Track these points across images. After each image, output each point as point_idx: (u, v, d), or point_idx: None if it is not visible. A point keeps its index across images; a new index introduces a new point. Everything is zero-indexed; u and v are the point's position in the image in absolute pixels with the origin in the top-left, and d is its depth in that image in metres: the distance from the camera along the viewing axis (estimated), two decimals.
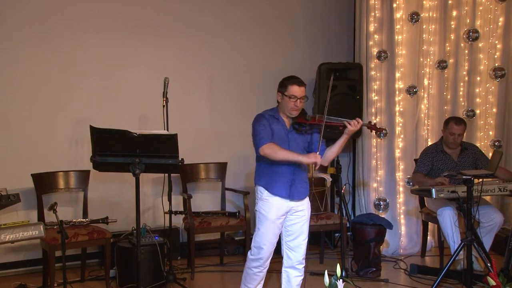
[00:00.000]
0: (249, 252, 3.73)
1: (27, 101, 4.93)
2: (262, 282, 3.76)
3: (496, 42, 5.72)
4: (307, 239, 3.71)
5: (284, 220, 3.66)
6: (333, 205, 5.73)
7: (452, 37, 5.65)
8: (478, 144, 5.59)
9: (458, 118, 4.97)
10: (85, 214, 4.77)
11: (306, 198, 3.73)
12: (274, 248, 3.67)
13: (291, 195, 3.61)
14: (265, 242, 3.60)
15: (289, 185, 3.60)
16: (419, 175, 4.93)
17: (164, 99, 4.59)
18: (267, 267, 3.71)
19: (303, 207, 3.69)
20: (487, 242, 4.66)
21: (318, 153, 3.49)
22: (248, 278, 3.72)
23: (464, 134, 5.00)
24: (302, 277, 3.73)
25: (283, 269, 3.76)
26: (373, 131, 3.74)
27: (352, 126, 3.54)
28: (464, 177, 4.07)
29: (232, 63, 5.67)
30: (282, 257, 3.77)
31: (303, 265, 3.72)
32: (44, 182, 4.71)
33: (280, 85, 3.62)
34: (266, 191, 3.61)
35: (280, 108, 3.64)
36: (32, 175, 4.64)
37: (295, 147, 3.62)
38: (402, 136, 5.57)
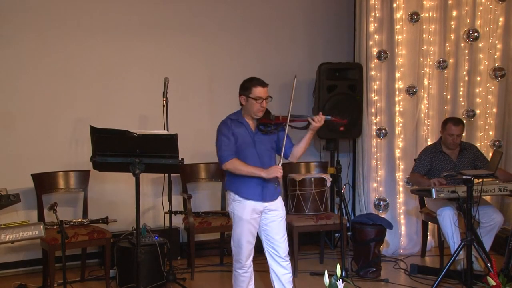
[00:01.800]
0: (232, 254, 3.75)
1: (27, 101, 4.93)
2: (252, 283, 3.76)
3: (496, 42, 5.71)
4: (286, 236, 3.72)
5: (259, 219, 3.67)
6: (333, 205, 5.73)
7: (452, 37, 5.65)
8: (478, 144, 5.59)
9: (456, 119, 4.96)
10: (85, 214, 4.77)
11: (279, 197, 3.74)
12: (252, 247, 3.68)
13: (263, 197, 3.63)
14: (243, 242, 3.62)
15: (261, 188, 3.60)
16: (416, 175, 4.93)
17: (164, 99, 4.59)
18: (251, 267, 3.72)
19: (277, 206, 3.70)
20: (487, 242, 4.66)
21: (279, 164, 3.53)
22: (237, 281, 3.73)
23: (464, 134, 5.00)
24: (290, 274, 3.73)
25: (270, 269, 3.75)
26: (338, 124, 3.71)
27: (316, 122, 3.56)
28: (464, 177, 4.07)
29: (232, 63, 5.67)
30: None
31: (288, 262, 3.72)
32: (44, 182, 4.71)
33: (242, 88, 3.60)
34: (237, 195, 3.63)
35: (245, 111, 3.63)
36: (32, 175, 4.64)
37: (262, 149, 3.63)
38: (402, 136, 5.57)
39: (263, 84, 3.58)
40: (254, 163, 3.59)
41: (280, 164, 3.56)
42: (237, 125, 3.61)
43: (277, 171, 3.49)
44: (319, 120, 3.56)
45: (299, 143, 3.70)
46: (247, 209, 3.60)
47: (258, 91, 3.55)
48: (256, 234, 3.70)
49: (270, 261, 3.73)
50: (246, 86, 3.59)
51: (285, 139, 3.56)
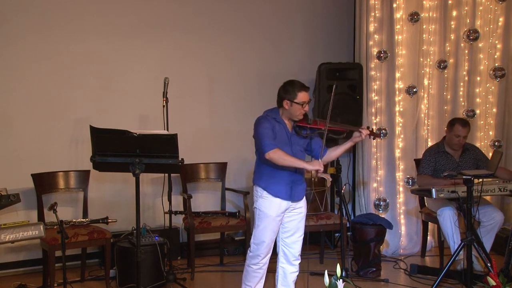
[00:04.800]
0: (248, 250, 3.76)
1: (27, 101, 4.93)
2: (262, 281, 3.77)
3: (496, 42, 5.72)
4: (303, 236, 3.75)
5: (283, 217, 3.68)
6: (333, 205, 5.74)
7: (452, 37, 5.65)
8: (478, 144, 5.59)
9: (463, 120, 4.94)
10: (85, 214, 4.77)
11: (304, 196, 3.79)
12: (272, 245, 3.69)
13: (292, 197, 3.65)
14: (265, 239, 3.63)
15: (290, 187, 3.63)
16: (426, 176, 4.89)
17: (164, 99, 4.59)
18: (267, 265, 3.73)
19: (301, 204, 3.74)
20: (488, 242, 4.66)
21: (320, 159, 3.54)
22: (248, 277, 3.73)
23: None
24: (297, 273, 3.77)
25: (279, 265, 3.78)
26: (372, 137, 3.80)
27: (363, 133, 3.63)
28: (464, 177, 4.07)
29: (232, 63, 5.67)
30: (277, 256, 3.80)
31: (299, 261, 3.76)
32: (44, 182, 4.71)
33: (286, 92, 3.55)
34: (265, 191, 3.63)
35: (284, 113, 3.61)
36: (32, 175, 4.64)
37: (297, 149, 3.65)
38: (402, 136, 5.57)
39: (305, 88, 3.57)
40: None
41: (321, 159, 3.57)
42: (275, 123, 3.59)
43: (320, 165, 3.49)
44: (365, 133, 3.63)
45: (335, 149, 3.73)
46: (274, 207, 3.61)
47: (302, 95, 3.53)
48: (277, 232, 3.71)
49: (282, 258, 3.76)
50: (290, 91, 3.54)
51: (323, 144, 3.57)
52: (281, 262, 3.77)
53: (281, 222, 3.69)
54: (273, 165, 3.55)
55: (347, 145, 3.71)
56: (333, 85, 3.69)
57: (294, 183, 3.64)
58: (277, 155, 3.48)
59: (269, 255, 3.71)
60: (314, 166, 3.50)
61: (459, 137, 4.83)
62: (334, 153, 3.73)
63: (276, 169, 3.58)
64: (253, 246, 3.69)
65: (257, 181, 3.69)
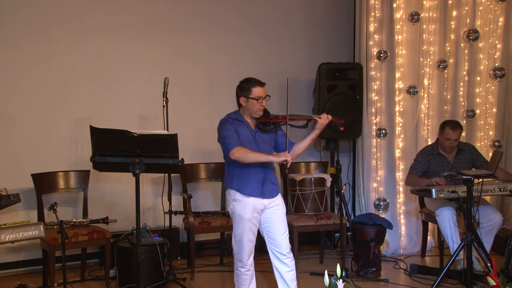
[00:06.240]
0: (233, 253, 3.77)
1: (27, 101, 4.93)
2: (254, 280, 3.78)
3: (496, 42, 5.71)
4: (287, 233, 3.74)
5: (259, 218, 3.70)
6: (333, 205, 5.74)
7: (452, 37, 5.65)
8: (478, 144, 5.59)
9: (454, 123, 4.91)
10: (85, 214, 4.77)
11: (278, 195, 3.78)
12: (253, 245, 3.70)
13: (263, 194, 3.66)
14: (244, 241, 3.64)
15: (261, 184, 3.65)
16: (414, 176, 4.92)
17: (164, 99, 4.59)
18: (253, 265, 3.74)
19: (277, 202, 3.74)
20: (487, 243, 4.65)
21: (286, 151, 3.58)
22: (239, 279, 3.75)
23: (463, 134, 4.98)
24: (293, 271, 3.74)
25: (274, 268, 3.78)
26: (336, 124, 3.81)
27: (322, 119, 3.64)
28: (464, 177, 4.07)
29: (232, 63, 5.66)
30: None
31: (291, 259, 3.73)
32: (44, 182, 4.71)
33: (242, 89, 3.65)
34: (238, 193, 3.65)
35: (245, 111, 3.68)
36: (32, 175, 4.64)
37: (264, 147, 3.68)
38: (402, 136, 5.57)
39: (261, 83, 3.64)
40: None
41: (287, 151, 3.59)
42: (238, 124, 3.65)
43: (287, 155, 3.52)
44: (325, 118, 3.65)
45: (301, 141, 3.76)
46: (248, 208, 3.63)
47: (257, 91, 3.61)
48: (256, 232, 3.72)
49: (272, 259, 3.75)
50: (245, 87, 3.64)
51: (287, 136, 3.63)
52: (274, 263, 3.76)
53: (258, 222, 3.70)
54: (241, 165, 3.59)
55: (312, 135, 3.73)
56: (287, 80, 3.69)
57: (265, 180, 3.67)
58: (241, 153, 3.54)
59: (252, 255, 3.72)
60: (279, 158, 3.53)
61: (449, 140, 4.81)
62: (301, 145, 3.75)
63: (245, 168, 3.62)
64: (235, 248, 3.72)
65: (229, 184, 3.71)
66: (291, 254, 3.76)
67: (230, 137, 3.59)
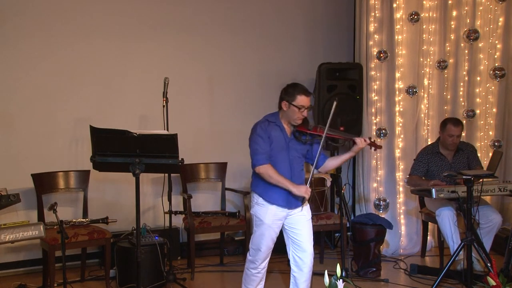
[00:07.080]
0: (248, 253, 3.74)
1: (27, 101, 4.93)
2: (262, 282, 3.76)
3: (496, 42, 5.71)
4: (312, 239, 3.64)
5: (281, 225, 3.63)
6: (333, 205, 5.74)
7: (452, 37, 5.65)
8: (478, 144, 5.59)
9: (455, 119, 4.94)
10: (85, 214, 4.77)
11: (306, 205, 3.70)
12: (270, 251, 3.65)
13: (289, 204, 3.58)
14: (262, 245, 3.59)
15: (286, 194, 3.54)
16: (415, 177, 4.92)
17: (164, 99, 4.59)
18: (265, 268, 3.71)
19: (301, 209, 3.65)
20: (487, 243, 4.65)
21: (315, 168, 3.54)
22: (248, 279, 3.72)
23: (463, 134, 4.98)
24: (308, 282, 3.66)
25: (291, 274, 3.69)
26: (372, 148, 3.75)
27: (360, 144, 3.55)
28: (464, 177, 4.07)
29: (232, 63, 5.67)
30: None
31: (310, 269, 3.64)
32: (44, 182, 4.71)
33: (287, 93, 3.52)
34: (261, 198, 3.59)
35: (284, 115, 3.56)
36: (32, 175, 4.64)
37: (294, 155, 3.59)
38: (402, 136, 5.57)
39: (307, 93, 3.51)
40: (284, 167, 3.54)
41: (308, 185, 3.51)
42: (273, 128, 3.54)
43: (306, 192, 3.46)
44: (362, 143, 3.55)
45: (336, 158, 3.72)
46: (269, 214, 3.55)
47: (301, 99, 3.47)
48: (276, 239, 3.64)
49: (293, 266, 3.66)
50: (290, 92, 3.50)
51: (319, 152, 3.54)
52: (293, 271, 3.66)
53: (279, 229, 3.62)
54: None
55: (347, 155, 3.65)
56: (334, 100, 3.59)
57: (290, 191, 3.53)
58: (266, 172, 3.47)
59: (268, 259, 3.68)
60: (299, 191, 3.46)
61: (452, 136, 4.82)
62: (332, 162, 3.69)
63: None
64: (251, 251, 3.67)
65: (254, 188, 3.65)
66: (312, 264, 3.65)
67: (259, 152, 3.48)
